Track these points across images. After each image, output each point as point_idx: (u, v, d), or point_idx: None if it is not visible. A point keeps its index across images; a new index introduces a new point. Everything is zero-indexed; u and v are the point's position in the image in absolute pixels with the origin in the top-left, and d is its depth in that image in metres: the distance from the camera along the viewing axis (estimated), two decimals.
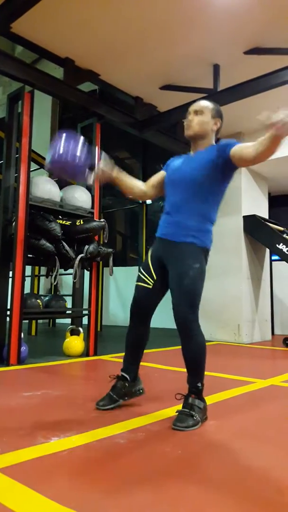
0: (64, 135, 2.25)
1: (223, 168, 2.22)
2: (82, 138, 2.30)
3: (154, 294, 2.34)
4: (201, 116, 2.32)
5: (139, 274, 2.39)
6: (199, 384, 2.17)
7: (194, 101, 2.44)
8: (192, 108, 2.36)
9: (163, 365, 3.81)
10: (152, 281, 2.32)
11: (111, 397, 2.36)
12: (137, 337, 2.42)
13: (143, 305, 2.37)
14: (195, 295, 2.18)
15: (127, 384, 2.39)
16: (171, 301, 2.22)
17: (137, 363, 2.45)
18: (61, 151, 2.21)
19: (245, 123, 6.11)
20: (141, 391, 2.45)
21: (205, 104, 2.36)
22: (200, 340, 2.18)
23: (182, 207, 2.26)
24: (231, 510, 1.28)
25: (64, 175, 2.44)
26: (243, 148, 2.16)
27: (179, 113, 5.13)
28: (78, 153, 2.23)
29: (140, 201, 8.08)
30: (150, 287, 2.32)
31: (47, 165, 2.27)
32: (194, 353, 2.18)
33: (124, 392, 2.38)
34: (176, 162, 2.43)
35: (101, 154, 2.43)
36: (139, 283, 2.37)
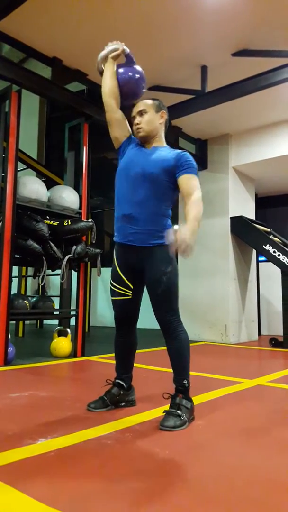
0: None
1: (173, 175, 2.23)
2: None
3: (135, 302, 2.35)
4: (146, 115, 2.32)
5: (113, 288, 2.36)
6: (185, 382, 2.18)
7: (134, 106, 2.43)
8: (136, 110, 2.35)
9: (150, 366, 3.81)
10: (130, 291, 2.32)
11: (104, 401, 2.36)
12: (127, 346, 2.43)
13: (127, 316, 2.38)
14: (172, 298, 2.21)
15: (121, 392, 2.40)
16: (151, 304, 2.23)
17: (130, 371, 2.46)
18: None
19: (233, 125, 6.17)
20: (133, 402, 2.45)
21: (146, 102, 2.36)
22: (183, 337, 2.21)
23: (142, 206, 2.20)
24: (219, 510, 1.29)
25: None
26: (183, 191, 2.19)
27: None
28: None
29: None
30: (130, 297, 2.32)
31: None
32: (179, 351, 2.21)
33: (117, 399, 2.39)
34: (134, 151, 2.35)
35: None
36: (117, 298, 2.35)
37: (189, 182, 2.18)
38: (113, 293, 2.37)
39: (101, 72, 2.51)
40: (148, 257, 2.22)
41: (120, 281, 2.33)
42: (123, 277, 2.32)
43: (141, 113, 2.33)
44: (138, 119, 2.33)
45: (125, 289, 2.32)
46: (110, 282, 2.39)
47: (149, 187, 2.21)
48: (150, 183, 2.21)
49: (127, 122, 2.45)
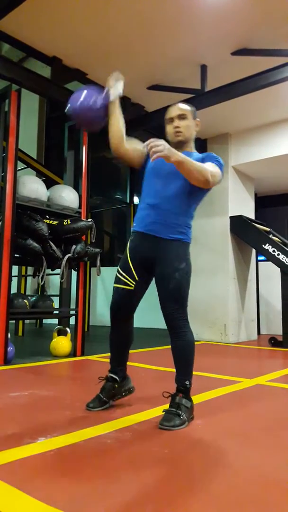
0: (84, 90, 2.29)
1: None
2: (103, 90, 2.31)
3: (136, 295, 2.33)
4: (186, 120, 2.30)
5: (118, 275, 2.34)
6: (187, 382, 2.18)
7: (168, 106, 2.37)
8: (175, 113, 2.31)
9: (149, 365, 3.81)
10: (134, 282, 2.29)
11: (101, 399, 2.36)
12: (121, 338, 2.43)
13: (124, 307, 2.36)
14: (182, 296, 2.20)
15: (116, 385, 2.39)
16: (159, 299, 2.22)
17: (124, 364, 2.45)
18: (81, 98, 2.25)
19: (232, 124, 6.17)
20: (130, 390, 2.46)
21: (186, 107, 2.33)
22: (189, 337, 2.20)
23: (171, 200, 2.22)
24: (219, 509, 1.29)
25: (85, 120, 2.37)
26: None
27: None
28: (94, 98, 2.26)
29: (128, 201, 8.06)
30: (132, 288, 2.29)
31: (68, 110, 2.28)
32: (183, 350, 2.20)
33: (113, 393, 2.38)
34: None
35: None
36: (119, 285, 2.33)
37: (207, 164, 2.17)
38: (117, 280, 2.34)
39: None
40: (163, 250, 2.21)
41: (127, 270, 2.30)
42: (131, 266, 2.29)
43: (181, 117, 2.29)
44: (177, 123, 2.29)
45: (130, 279, 2.29)
46: (118, 269, 2.37)
47: (180, 184, 2.21)
48: (182, 181, 2.20)
49: (137, 146, 2.38)
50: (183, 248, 2.22)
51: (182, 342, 2.19)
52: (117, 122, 2.32)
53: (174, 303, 2.18)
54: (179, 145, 2.29)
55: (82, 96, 2.25)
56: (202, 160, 2.22)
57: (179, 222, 2.23)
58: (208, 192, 2.30)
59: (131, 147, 2.37)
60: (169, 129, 2.33)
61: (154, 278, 2.30)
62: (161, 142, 1.95)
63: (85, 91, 2.27)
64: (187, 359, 2.21)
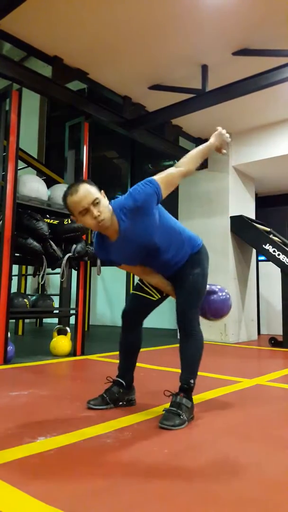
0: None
1: (156, 208, 2.08)
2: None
3: (154, 306, 2.43)
4: (99, 204, 1.98)
5: (141, 285, 2.40)
6: (192, 381, 2.20)
7: (70, 188, 2.00)
8: (86, 202, 1.94)
9: (150, 365, 3.81)
10: (159, 296, 2.39)
11: (104, 399, 2.37)
12: (131, 343, 2.45)
13: (140, 314, 2.42)
14: (196, 296, 2.26)
15: (121, 390, 2.40)
16: (176, 300, 2.29)
17: (132, 368, 2.47)
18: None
19: (233, 124, 6.16)
20: (132, 402, 2.46)
21: (91, 189, 1.98)
22: (199, 338, 2.26)
23: (165, 261, 2.24)
24: (218, 509, 1.29)
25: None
26: (171, 184, 2.13)
27: (167, 113, 5.15)
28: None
29: None
30: (154, 299, 2.39)
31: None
32: (193, 350, 2.24)
33: (117, 397, 2.39)
34: (113, 252, 2.16)
35: None
36: (140, 293, 2.39)
37: (163, 177, 2.08)
38: (140, 288, 2.40)
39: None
40: (178, 270, 2.29)
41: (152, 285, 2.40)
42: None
43: (94, 203, 1.96)
44: (94, 212, 1.96)
45: (155, 292, 2.38)
46: (140, 279, 2.42)
47: (158, 251, 2.18)
48: (151, 250, 2.15)
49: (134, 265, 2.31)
50: (195, 258, 2.30)
51: (192, 341, 2.24)
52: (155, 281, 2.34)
53: (188, 302, 2.24)
54: (105, 230, 2.07)
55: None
56: (155, 201, 2.04)
57: (179, 257, 2.26)
58: (168, 218, 2.22)
59: (143, 269, 2.32)
60: (88, 221, 1.99)
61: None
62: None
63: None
64: (194, 359, 2.24)
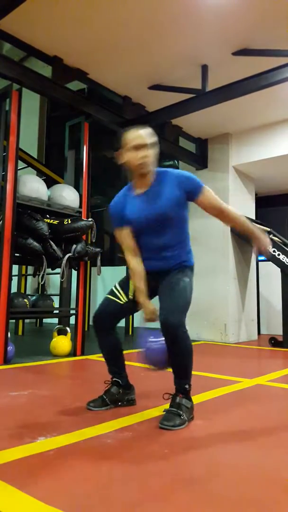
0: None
1: (186, 199, 2.22)
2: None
3: (123, 311, 2.38)
4: (152, 150, 2.18)
5: (113, 289, 2.38)
6: (187, 386, 2.17)
7: (123, 123, 2.25)
8: (142, 141, 2.14)
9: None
10: (126, 299, 2.32)
11: (104, 400, 2.36)
12: (111, 346, 2.40)
13: (108, 317, 2.35)
14: (184, 304, 2.15)
15: (121, 391, 2.40)
16: (159, 308, 2.17)
17: (122, 368, 2.45)
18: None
19: (233, 124, 6.17)
20: (132, 402, 2.45)
21: (150, 135, 2.18)
22: (187, 344, 2.11)
23: (159, 243, 2.23)
24: (217, 508, 1.29)
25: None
26: (212, 206, 2.20)
27: (167, 113, 5.15)
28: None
29: None
30: (122, 303, 2.32)
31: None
32: (183, 356, 2.13)
33: (117, 398, 2.39)
34: (129, 206, 2.27)
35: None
36: (110, 297, 2.36)
37: (210, 200, 2.20)
38: (111, 291, 2.38)
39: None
40: (166, 274, 2.25)
41: (124, 286, 2.36)
42: (130, 286, 2.34)
43: (148, 147, 2.16)
44: (144, 152, 2.14)
45: (123, 295, 2.33)
46: (115, 284, 2.41)
47: (165, 226, 2.21)
48: (166, 223, 2.20)
49: (129, 239, 2.32)
50: (186, 269, 2.26)
51: (181, 348, 2.10)
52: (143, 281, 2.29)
53: (176, 308, 2.10)
54: (143, 175, 2.21)
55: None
56: (187, 188, 2.18)
57: (177, 255, 2.25)
58: (187, 218, 2.31)
59: (135, 250, 2.32)
60: (133, 157, 2.16)
61: (157, 294, 2.27)
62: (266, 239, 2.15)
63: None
64: (186, 364, 2.16)
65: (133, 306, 2.33)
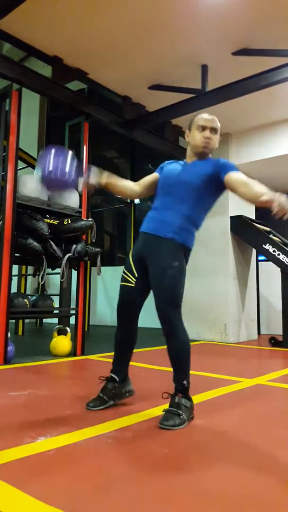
0: (52, 151, 2.21)
1: (217, 183, 2.30)
2: (70, 153, 2.26)
3: (138, 293, 2.35)
4: (217, 135, 2.36)
5: (123, 274, 2.40)
6: (185, 382, 2.18)
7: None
8: (211, 124, 2.33)
9: (149, 365, 3.81)
10: (134, 279, 2.34)
11: (101, 398, 2.36)
12: (125, 338, 2.43)
13: (128, 304, 2.38)
14: (176, 294, 2.20)
15: (116, 385, 2.40)
16: (154, 296, 2.24)
17: (126, 364, 2.46)
18: (50, 168, 2.16)
19: (233, 124, 6.17)
20: (131, 392, 2.46)
21: (218, 123, 2.38)
22: (183, 337, 2.20)
23: (171, 206, 2.29)
24: (217, 508, 1.29)
25: (55, 190, 2.37)
26: (236, 182, 2.23)
27: (167, 113, 5.15)
28: (67, 169, 2.19)
29: (129, 200, 8.08)
30: (133, 285, 2.34)
31: (38, 180, 2.24)
32: (178, 350, 2.20)
33: (114, 393, 2.39)
34: (172, 166, 2.45)
35: (89, 167, 2.33)
36: (123, 283, 2.38)
37: (238, 176, 2.24)
38: (122, 278, 2.40)
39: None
40: (156, 247, 2.25)
41: (129, 268, 2.37)
42: (132, 265, 2.36)
43: (213, 130, 2.34)
44: (209, 134, 2.32)
45: (131, 276, 2.35)
46: (123, 269, 2.43)
47: (183, 192, 2.28)
48: (185, 189, 2.28)
49: (150, 179, 2.52)
50: (176, 248, 2.23)
51: (176, 342, 2.20)
52: (116, 188, 2.45)
53: (168, 301, 2.19)
54: (201, 154, 2.36)
55: (54, 166, 2.16)
56: (219, 168, 2.28)
57: (173, 223, 2.25)
58: (210, 204, 2.41)
59: (144, 186, 2.51)
60: (198, 136, 2.33)
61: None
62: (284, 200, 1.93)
63: (56, 160, 2.17)
64: (182, 359, 2.21)
65: (143, 284, 2.33)
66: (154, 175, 2.51)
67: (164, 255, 2.21)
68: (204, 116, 2.36)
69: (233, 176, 2.24)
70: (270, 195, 1.95)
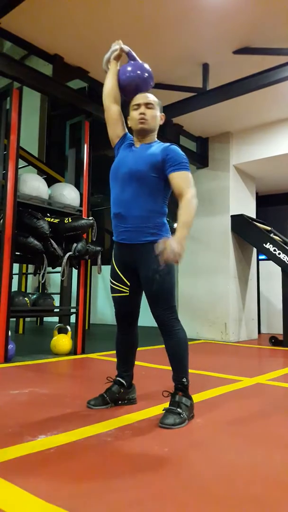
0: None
1: (162, 170, 2.21)
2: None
3: (134, 299, 2.36)
4: (153, 110, 2.30)
5: (111, 285, 2.39)
6: (184, 380, 2.18)
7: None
8: (143, 100, 2.29)
9: (149, 363, 3.81)
10: (127, 288, 2.33)
11: (104, 398, 2.37)
12: (126, 344, 2.44)
13: (126, 313, 2.39)
14: (168, 297, 2.20)
15: (122, 390, 2.40)
16: (147, 300, 2.25)
17: (130, 368, 2.46)
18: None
19: (234, 123, 6.16)
20: (133, 401, 2.46)
21: (154, 98, 2.33)
22: (181, 336, 2.21)
23: (131, 205, 2.21)
24: (217, 507, 1.29)
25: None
26: (174, 189, 2.17)
27: (168, 111, 5.13)
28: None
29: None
30: (127, 293, 2.33)
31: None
32: (176, 349, 2.21)
33: (118, 397, 2.39)
34: (125, 153, 2.35)
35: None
36: (115, 294, 2.37)
37: (179, 181, 2.16)
38: (112, 290, 2.39)
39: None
40: (140, 254, 2.22)
41: (117, 278, 2.36)
42: (120, 274, 2.34)
43: (148, 106, 2.29)
44: (143, 110, 2.27)
45: (122, 286, 2.34)
46: (110, 279, 2.41)
47: (137, 185, 2.21)
48: (138, 181, 2.21)
49: (122, 122, 2.45)
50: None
51: (174, 341, 2.20)
52: (108, 79, 2.45)
53: (161, 304, 2.19)
54: (141, 132, 2.31)
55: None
56: (162, 157, 2.19)
57: (147, 224, 2.21)
58: (167, 190, 2.28)
59: (117, 111, 2.43)
60: (134, 114, 2.31)
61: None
62: (171, 251, 1.88)
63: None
64: (181, 357, 2.21)
65: (136, 290, 2.32)
66: (118, 134, 2.44)
67: (149, 261, 2.17)
68: (137, 95, 2.33)
69: (175, 181, 2.16)
70: (177, 236, 1.98)
